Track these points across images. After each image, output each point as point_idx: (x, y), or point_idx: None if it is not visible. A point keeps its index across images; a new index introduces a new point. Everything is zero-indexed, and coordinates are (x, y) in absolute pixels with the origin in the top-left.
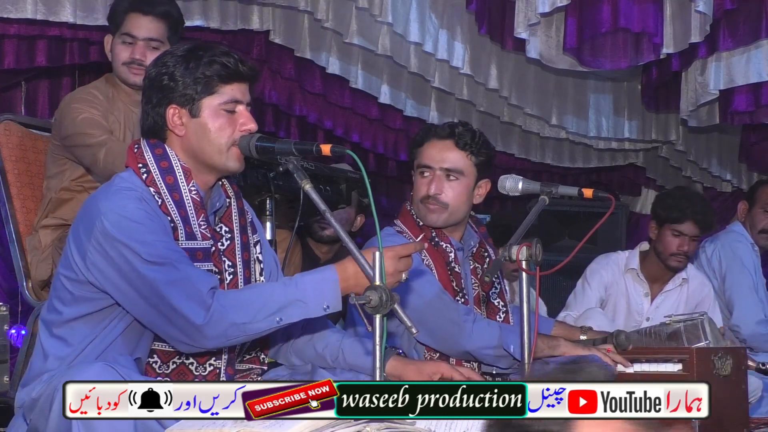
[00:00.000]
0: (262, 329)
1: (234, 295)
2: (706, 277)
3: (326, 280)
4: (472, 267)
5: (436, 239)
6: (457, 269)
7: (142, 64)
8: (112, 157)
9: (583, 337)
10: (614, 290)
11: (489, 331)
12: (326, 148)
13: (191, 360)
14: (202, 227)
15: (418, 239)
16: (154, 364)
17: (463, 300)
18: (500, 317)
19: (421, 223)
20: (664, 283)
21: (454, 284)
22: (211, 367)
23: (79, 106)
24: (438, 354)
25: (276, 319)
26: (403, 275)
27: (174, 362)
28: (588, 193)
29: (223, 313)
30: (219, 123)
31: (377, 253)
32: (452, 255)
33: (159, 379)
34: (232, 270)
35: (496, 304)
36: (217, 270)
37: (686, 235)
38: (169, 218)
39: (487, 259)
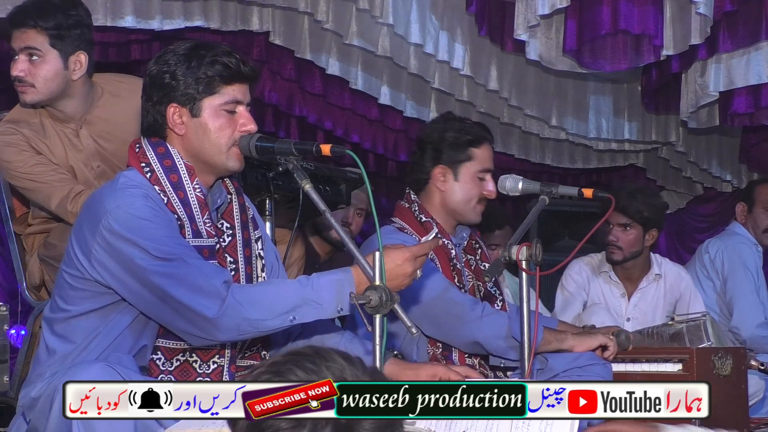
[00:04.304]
0: (274, 326)
1: (249, 290)
2: (681, 269)
3: (342, 283)
4: (465, 259)
5: (439, 236)
6: (458, 266)
7: (24, 80)
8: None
9: None
10: (591, 294)
11: (498, 321)
12: (326, 148)
13: (195, 357)
14: (207, 225)
15: (430, 235)
16: (158, 361)
17: None
18: (497, 305)
19: (423, 220)
20: (638, 281)
21: (456, 280)
22: (215, 365)
23: (12, 162)
24: (441, 347)
25: (289, 318)
26: (418, 272)
27: (178, 359)
28: (588, 193)
29: (238, 307)
30: (219, 123)
31: (377, 254)
32: (453, 252)
33: (159, 379)
34: (234, 266)
35: (492, 292)
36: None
37: (613, 224)
38: (175, 216)
39: (479, 251)
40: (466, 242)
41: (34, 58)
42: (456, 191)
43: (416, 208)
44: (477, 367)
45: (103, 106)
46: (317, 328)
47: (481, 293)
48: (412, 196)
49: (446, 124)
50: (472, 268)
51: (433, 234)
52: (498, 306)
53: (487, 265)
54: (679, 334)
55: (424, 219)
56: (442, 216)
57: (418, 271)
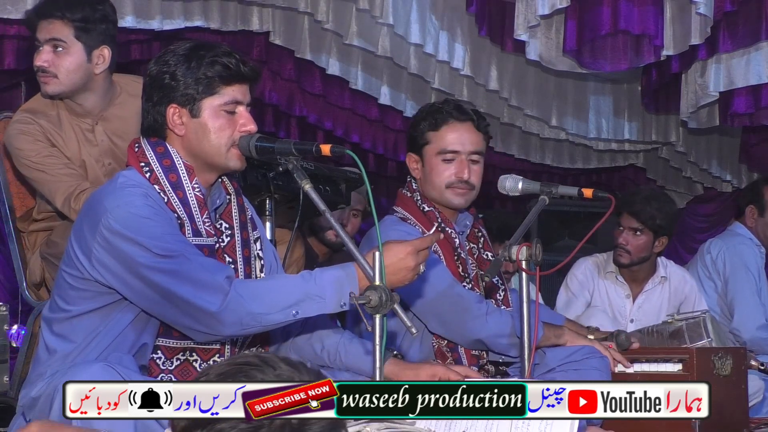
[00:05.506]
0: (277, 321)
1: (252, 285)
2: (686, 273)
3: (345, 278)
4: (468, 247)
5: (443, 225)
6: (463, 255)
7: (47, 71)
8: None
9: (590, 337)
10: (595, 294)
11: (502, 320)
12: (326, 148)
13: (195, 356)
14: (206, 224)
15: (432, 230)
16: (158, 360)
17: (470, 286)
18: (500, 295)
19: (426, 209)
20: (644, 282)
21: (461, 270)
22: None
23: (25, 150)
24: (446, 342)
25: (292, 312)
26: (421, 267)
27: (178, 359)
28: (588, 193)
29: (240, 301)
30: (219, 124)
31: (377, 253)
32: (457, 241)
33: (159, 378)
34: (233, 267)
35: (495, 282)
36: None
37: (624, 227)
38: (175, 215)
39: (482, 239)
40: (468, 230)
41: (59, 49)
42: (427, 178)
43: (418, 198)
44: (484, 357)
45: (120, 104)
46: (317, 326)
47: (484, 282)
48: (414, 184)
49: (417, 114)
50: (475, 256)
51: (434, 228)
52: (500, 296)
53: (489, 254)
54: (679, 331)
55: (426, 209)
56: (437, 204)
57: (421, 266)
